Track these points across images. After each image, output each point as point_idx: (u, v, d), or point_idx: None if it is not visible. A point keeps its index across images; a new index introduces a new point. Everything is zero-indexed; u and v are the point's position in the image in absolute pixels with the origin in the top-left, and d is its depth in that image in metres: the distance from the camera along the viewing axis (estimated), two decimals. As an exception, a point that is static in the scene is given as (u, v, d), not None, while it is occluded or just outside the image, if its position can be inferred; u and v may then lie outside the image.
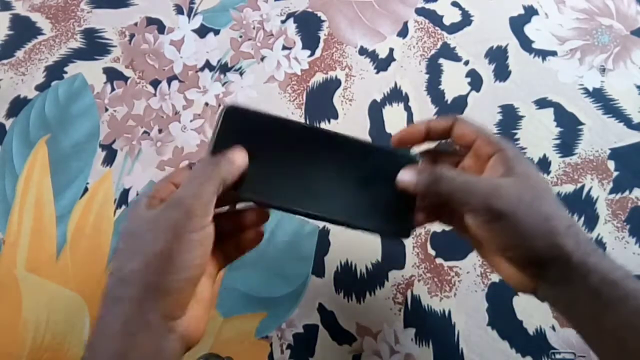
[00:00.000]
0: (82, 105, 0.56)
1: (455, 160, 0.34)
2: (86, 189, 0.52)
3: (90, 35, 0.59)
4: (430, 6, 0.60)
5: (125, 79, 0.57)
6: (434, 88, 0.56)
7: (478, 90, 0.56)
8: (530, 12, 0.60)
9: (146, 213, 0.27)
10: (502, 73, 0.57)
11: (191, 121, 0.55)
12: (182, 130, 0.55)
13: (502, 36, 0.59)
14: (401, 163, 0.32)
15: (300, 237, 0.49)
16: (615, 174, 0.52)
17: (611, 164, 0.52)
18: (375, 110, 0.55)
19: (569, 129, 0.54)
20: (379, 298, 0.48)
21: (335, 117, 0.55)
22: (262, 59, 0.58)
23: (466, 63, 0.57)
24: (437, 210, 0.34)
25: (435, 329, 0.46)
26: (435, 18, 0.60)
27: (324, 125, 0.54)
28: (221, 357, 0.44)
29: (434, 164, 0.34)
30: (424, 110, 0.55)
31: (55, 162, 0.53)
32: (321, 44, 0.59)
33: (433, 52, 0.58)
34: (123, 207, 0.51)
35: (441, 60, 0.57)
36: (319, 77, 0.57)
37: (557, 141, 0.53)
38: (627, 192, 0.51)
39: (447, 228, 0.37)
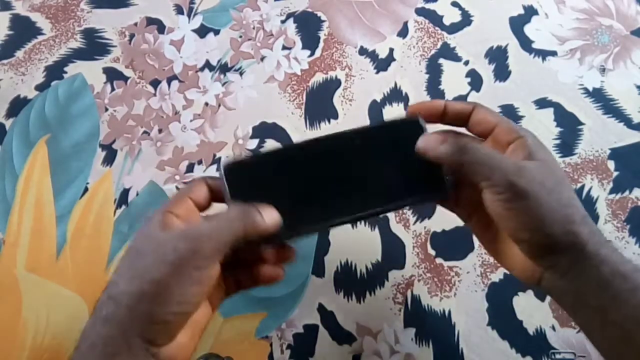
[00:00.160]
0: (82, 105, 0.56)
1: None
2: (86, 189, 0.52)
3: (90, 35, 0.59)
4: (430, 6, 0.60)
5: (125, 79, 0.57)
6: (434, 88, 0.56)
7: (478, 90, 0.56)
8: (530, 12, 0.60)
9: (157, 234, 0.27)
10: (502, 73, 0.57)
11: (191, 121, 0.55)
12: (182, 130, 0.55)
13: (502, 36, 0.59)
14: (412, 131, 0.31)
15: (300, 237, 0.49)
16: (615, 174, 0.52)
17: (611, 164, 0.52)
18: (375, 111, 0.55)
19: (569, 129, 0.54)
20: (379, 298, 0.48)
21: (335, 117, 0.55)
22: (262, 59, 0.58)
23: (466, 63, 0.57)
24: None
25: (435, 329, 0.46)
26: (435, 18, 0.60)
27: (324, 126, 0.55)
28: (221, 357, 0.44)
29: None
30: (424, 110, 0.55)
31: (55, 162, 0.53)
32: (321, 44, 0.59)
33: (433, 52, 0.58)
34: (123, 207, 0.51)
35: (441, 60, 0.57)
36: (319, 77, 0.57)
37: (557, 141, 0.53)
38: (627, 192, 0.51)
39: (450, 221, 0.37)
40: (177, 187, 0.52)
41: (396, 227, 0.50)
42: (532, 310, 0.46)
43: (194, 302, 0.26)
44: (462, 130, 0.33)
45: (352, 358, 0.46)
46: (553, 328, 0.46)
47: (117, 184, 0.52)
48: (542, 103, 0.55)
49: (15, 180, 0.52)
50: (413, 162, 0.31)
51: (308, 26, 0.60)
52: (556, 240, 0.27)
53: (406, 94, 0.56)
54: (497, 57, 0.57)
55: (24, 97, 0.56)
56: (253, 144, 0.54)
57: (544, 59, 0.57)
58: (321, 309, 0.47)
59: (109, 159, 0.53)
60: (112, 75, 0.57)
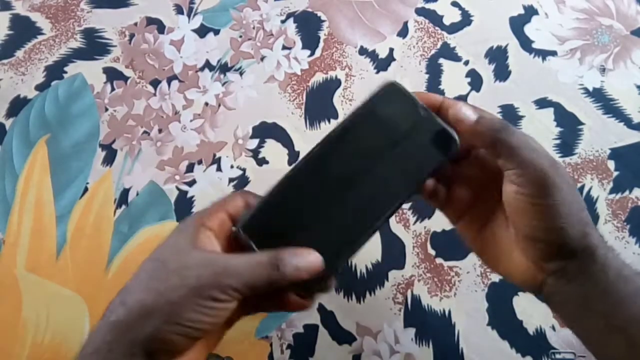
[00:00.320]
0: (82, 105, 0.56)
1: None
2: (86, 189, 0.52)
3: (90, 35, 0.59)
4: (430, 6, 0.60)
5: (125, 78, 0.57)
6: (434, 88, 0.56)
7: (478, 90, 0.56)
8: (530, 12, 0.60)
9: (187, 252, 0.26)
10: (502, 73, 0.57)
11: (191, 121, 0.55)
12: (182, 130, 0.55)
13: (502, 36, 0.59)
14: (397, 101, 0.30)
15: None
16: (615, 174, 0.52)
17: (611, 164, 0.52)
18: (375, 110, 0.55)
19: (569, 129, 0.54)
20: (379, 298, 0.48)
21: (336, 117, 0.55)
22: (262, 58, 0.58)
23: (466, 63, 0.57)
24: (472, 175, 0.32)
25: (435, 329, 0.46)
26: (435, 18, 0.60)
27: (324, 126, 0.54)
28: (221, 357, 0.44)
29: None
30: (424, 110, 0.55)
31: (55, 162, 0.53)
32: (321, 44, 0.59)
33: (433, 52, 0.58)
34: (123, 207, 0.51)
35: (441, 60, 0.57)
36: (319, 77, 0.57)
37: (557, 141, 0.53)
38: (627, 192, 0.51)
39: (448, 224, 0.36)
40: (177, 188, 0.52)
41: (396, 227, 0.50)
42: (532, 310, 0.46)
43: (202, 330, 0.26)
44: None
45: (352, 358, 0.46)
46: (553, 328, 0.46)
47: (117, 184, 0.52)
48: (542, 103, 0.55)
49: (15, 180, 0.52)
50: (414, 132, 0.30)
51: (308, 26, 0.60)
52: (573, 243, 0.27)
53: (406, 94, 0.56)
54: (497, 57, 0.57)
55: (24, 97, 0.56)
56: (253, 144, 0.54)
57: (544, 59, 0.57)
58: (321, 308, 0.47)
59: (109, 159, 0.53)
60: (112, 75, 0.57)
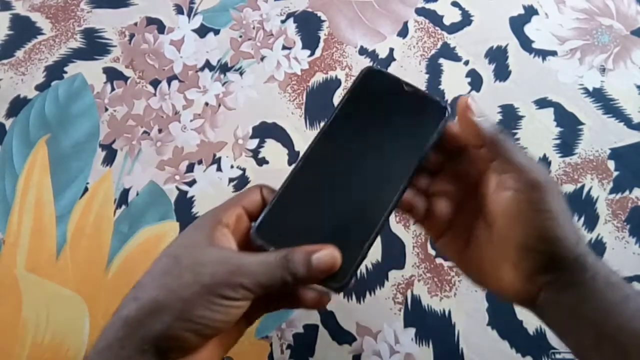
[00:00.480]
0: (82, 105, 0.56)
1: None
2: (86, 189, 0.52)
3: (90, 35, 0.59)
4: (430, 6, 0.60)
5: (125, 78, 0.57)
6: (434, 88, 0.56)
7: (478, 90, 0.56)
8: (530, 12, 0.60)
9: (202, 249, 0.26)
10: (502, 73, 0.57)
11: (191, 121, 0.55)
12: (182, 130, 0.55)
13: (502, 36, 0.59)
14: (385, 86, 0.30)
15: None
16: (615, 174, 0.52)
17: (611, 164, 0.52)
18: (375, 110, 0.55)
19: (569, 129, 0.54)
20: (379, 298, 0.48)
21: (335, 117, 0.55)
22: (262, 58, 0.58)
23: (466, 63, 0.57)
24: (458, 176, 0.31)
25: (435, 329, 0.46)
26: (435, 18, 0.60)
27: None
28: (221, 357, 0.43)
29: None
30: (424, 110, 0.55)
31: (55, 162, 0.53)
32: (321, 44, 0.59)
33: (433, 52, 0.58)
34: (123, 207, 0.51)
35: (441, 60, 0.57)
36: (319, 77, 0.57)
37: (557, 141, 0.53)
38: (627, 192, 0.51)
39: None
40: (177, 188, 0.52)
41: (396, 227, 0.50)
42: (532, 310, 0.46)
43: (214, 327, 0.25)
44: None
45: (352, 358, 0.46)
46: (553, 328, 0.46)
47: (117, 184, 0.52)
48: (542, 103, 0.55)
49: (15, 180, 0.52)
50: (404, 109, 0.30)
51: (308, 26, 0.60)
52: (569, 254, 0.26)
53: (406, 94, 0.56)
54: (497, 57, 0.57)
55: (24, 97, 0.56)
56: (253, 144, 0.54)
57: (544, 59, 0.57)
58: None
59: (109, 159, 0.53)
60: (112, 75, 0.57)
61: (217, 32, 0.59)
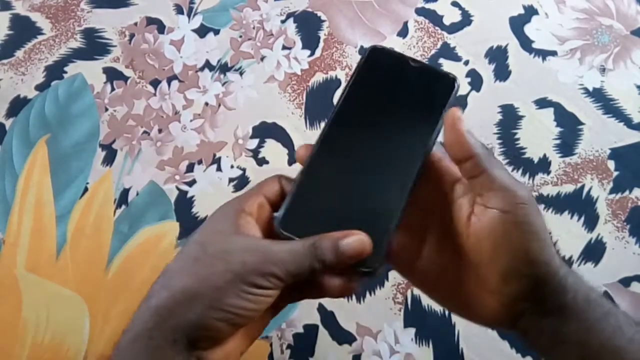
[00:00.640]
0: (82, 105, 0.56)
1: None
2: (86, 189, 0.52)
3: (90, 35, 0.59)
4: (430, 6, 0.60)
5: (125, 78, 0.57)
6: (434, 88, 0.56)
7: (478, 90, 0.56)
8: (530, 12, 0.60)
9: (229, 236, 0.26)
10: (502, 73, 0.57)
11: (191, 121, 0.55)
12: (182, 130, 0.55)
13: (502, 36, 0.59)
14: (390, 64, 0.30)
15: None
16: (615, 174, 0.52)
17: (611, 164, 0.52)
18: (375, 110, 0.55)
19: (569, 129, 0.54)
20: (379, 298, 0.48)
21: (335, 117, 0.55)
22: (262, 58, 0.58)
23: (466, 63, 0.57)
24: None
25: (435, 329, 0.46)
26: (435, 18, 0.60)
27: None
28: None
29: None
30: (424, 110, 0.55)
31: (55, 162, 0.53)
32: (321, 44, 0.59)
33: (433, 52, 0.58)
34: (123, 207, 0.51)
35: (441, 60, 0.57)
36: (319, 77, 0.57)
37: (557, 141, 0.53)
38: (627, 192, 0.51)
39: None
40: (177, 188, 0.52)
41: (396, 227, 0.50)
42: (532, 310, 0.46)
43: (245, 316, 0.25)
44: None
45: (352, 358, 0.46)
46: (553, 328, 0.46)
47: (117, 184, 0.52)
48: (542, 103, 0.55)
49: (15, 180, 0.52)
50: (412, 84, 0.29)
51: (308, 26, 0.60)
52: (552, 276, 0.25)
53: (406, 94, 0.56)
54: (497, 57, 0.57)
55: (24, 97, 0.56)
56: (253, 144, 0.54)
57: (544, 58, 0.57)
58: (321, 309, 0.47)
59: (109, 159, 0.53)
60: (112, 75, 0.57)
61: (217, 32, 0.59)
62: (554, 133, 0.54)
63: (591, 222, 0.50)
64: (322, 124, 0.54)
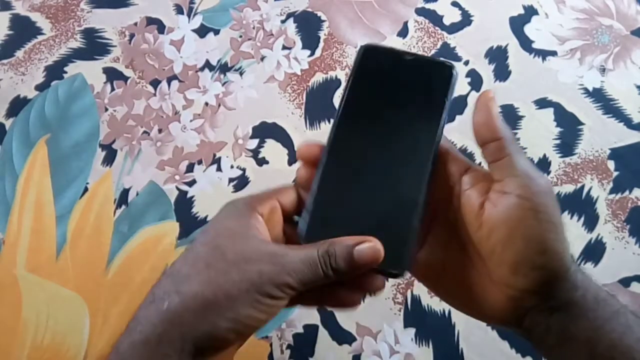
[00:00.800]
0: (82, 105, 0.56)
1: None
2: (86, 189, 0.52)
3: (90, 35, 0.59)
4: (430, 6, 0.60)
5: (125, 78, 0.57)
6: (434, 88, 0.56)
7: (478, 90, 0.56)
8: (530, 12, 0.60)
9: (245, 240, 0.25)
10: (502, 73, 0.57)
11: (191, 121, 0.55)
12: (182, 130, 0.55)
13: (502, 36, 0.59)
14: (385, 60, 0.30)
15: (300, 237, 0.49)
16: (615, 174, 0.52)
17: (611, 164, 0.52)
18: (375, 110, 0.55)
19: (569, 129, 0.54)
20: (379, 298, 0.48)
21: (335, 117, 0.55)
22: (262, 58, 0.58)
23: (466, 63, 0.57)
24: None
25: (435, 329, 0.46)
26: (435, 18, 0.60)
27: (324, 126, 0.54)
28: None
29: None
30: (424, 110, 0.55)
31: (55, 162, 0.53)
32: (321, 44, 0.59)
33: (433, 52, 0.58)
34: (123, 207, 0.51)
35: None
36: (319, 77, 0.57)
37: (557, 141, 0.53)
38: (627, 192, 0.51)
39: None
40: (177, 188, 0.52)
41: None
42: (532, 310, 0.46)
43: (255, 327, 0.25)
44: None
45: (352, 358, 0.46)
46: (553, 328, 0.46)
47: (117, 184, 0.52)
48: (542, 103, 0.55)
49: (15, 180, 0.52)
50: (411, 78, 0.29)
51: (308, 26, 0.60)
52: (564, 270, 0.25)
53: (406, 94, 0.56)
54: (497, 57, 0.57)
55: (24, 97, 0.56)
56: (253, 144, 0.54)
57: (544, 59, 0.57)
58: (321, 309, 0.47)
59: (109, 159, 0.53)
60: (112, 75, 0.57)
61: (217, 32, 0.59)
62: (553, 133, 0.54)
63: (591, 222, 0.50)
64: (322, 124, 0.55)
